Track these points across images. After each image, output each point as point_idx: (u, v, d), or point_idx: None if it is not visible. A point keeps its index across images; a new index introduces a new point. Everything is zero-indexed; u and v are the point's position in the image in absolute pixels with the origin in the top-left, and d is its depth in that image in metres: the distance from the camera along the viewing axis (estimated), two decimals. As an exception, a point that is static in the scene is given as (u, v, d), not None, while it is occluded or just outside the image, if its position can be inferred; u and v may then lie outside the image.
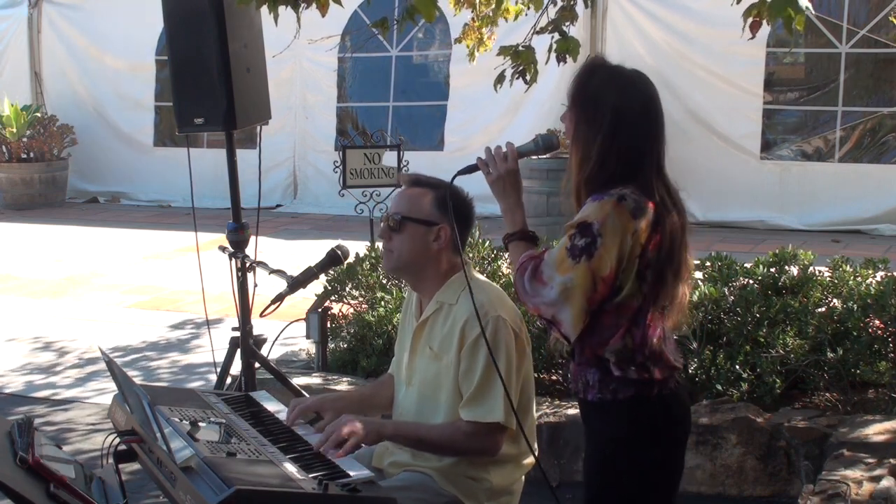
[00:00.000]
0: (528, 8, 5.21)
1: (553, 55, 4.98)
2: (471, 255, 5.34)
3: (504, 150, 2.63)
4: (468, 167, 2.69)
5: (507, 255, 5.46)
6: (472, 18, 5.43)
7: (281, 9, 4.04)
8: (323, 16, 4.22)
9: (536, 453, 2.88)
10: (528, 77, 5.01)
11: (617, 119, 2.46)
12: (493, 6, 5.25)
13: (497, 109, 10.88)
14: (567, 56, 4.99)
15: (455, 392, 2.83)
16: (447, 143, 11.56)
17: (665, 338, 2.54)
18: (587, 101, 2.51)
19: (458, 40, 5.65)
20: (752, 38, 4.14)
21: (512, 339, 2.81)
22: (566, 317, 2.44)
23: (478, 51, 5.58)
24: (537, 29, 5.06)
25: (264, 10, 4.01)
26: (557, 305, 2.43)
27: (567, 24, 5.06)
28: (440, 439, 2.82)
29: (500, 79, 5.01)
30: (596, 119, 2.48)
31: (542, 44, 5.00)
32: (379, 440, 2.83)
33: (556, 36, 4.99)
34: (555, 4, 5.12)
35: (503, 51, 5.01)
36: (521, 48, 4.99)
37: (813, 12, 4.10)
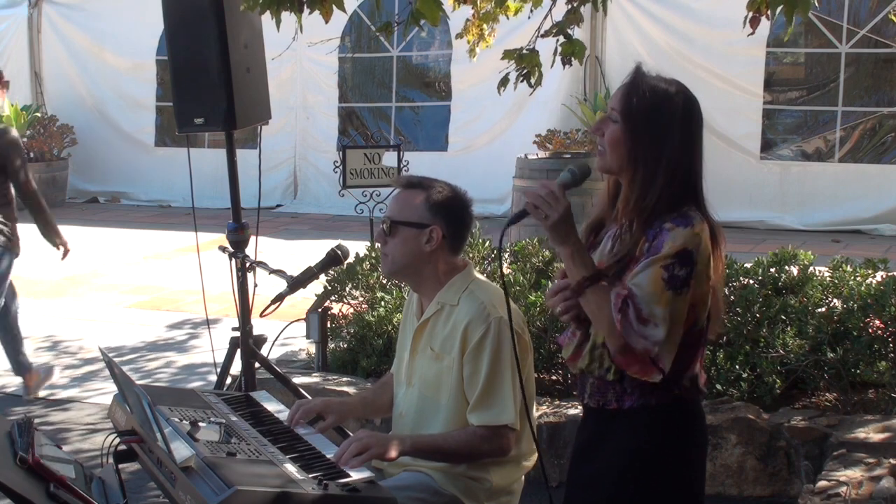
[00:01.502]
0: (528, 3, 5.19)
1: (558, 58, 4.97)
2: (470, 254, 5.33)
3: (544, 191, 2.35)
4: (517, 214, 2.43)
5: (507, 260, 5.47)
6: (473, 15, 5.42)
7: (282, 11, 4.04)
8: (326, 22, 4.21)
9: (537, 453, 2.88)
10: (532, 80, 4.99)
11: (684, 137, 2.36)
12: (493, 2, 5.24)
13: (500, 110, 10.88)
14: (572, 58, 4.98)
15: (456, 393, 2.83)
16: (451, 144, 11.55)
17: None
18: (647, 118, 2.35)
19: (459, 36, 5.64)
20: (751, 34, 4.10)
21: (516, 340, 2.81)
22: (668, 352, 2.30)
23: (478, 47, 5.57)
24: (542, 32, 5.05)
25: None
26: (666, 343, 2.28)
27: (572, 26, 5.05)
28: (458, 446, 2.79)
29: (504, 82, 5.00)
30: (660, 138, 2.34)
31: (544, 45, 5.00)
32: (397, 455, 2.73)
33: (561, 38, 4.98)
34: (547, 7, 5.12)
35: (507, 54, 4.99)
36: (525, 51, 4.98)
37: (817, 5, 4.05)
